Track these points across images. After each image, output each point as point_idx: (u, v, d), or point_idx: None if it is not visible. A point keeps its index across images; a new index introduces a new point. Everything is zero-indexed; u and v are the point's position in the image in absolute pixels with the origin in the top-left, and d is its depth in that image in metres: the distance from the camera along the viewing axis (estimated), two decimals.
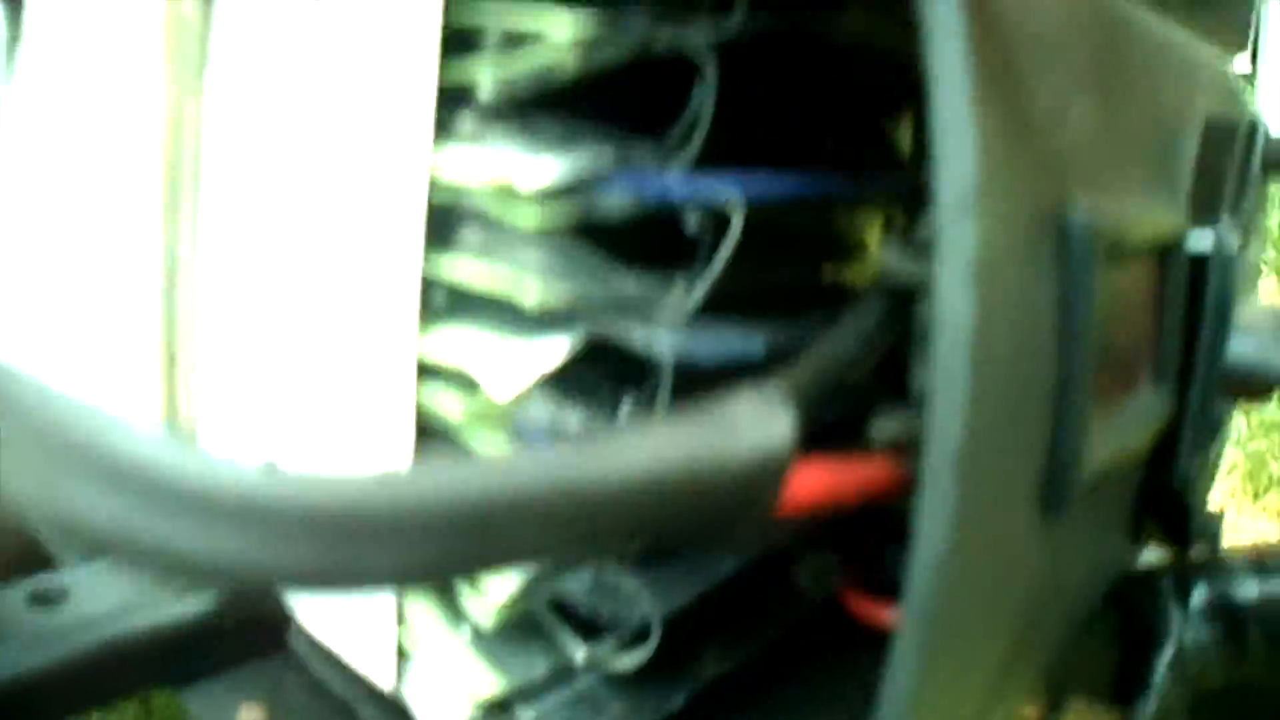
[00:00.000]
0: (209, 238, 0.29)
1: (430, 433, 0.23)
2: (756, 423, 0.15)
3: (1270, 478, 0.99)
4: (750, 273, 0.22)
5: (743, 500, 0.15)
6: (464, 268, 0.23)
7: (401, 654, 0.25)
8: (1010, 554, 0.18)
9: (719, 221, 0.21)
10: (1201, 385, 0.27)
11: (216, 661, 0.29)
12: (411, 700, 0.25)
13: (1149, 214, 0.22)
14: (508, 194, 0.21)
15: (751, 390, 0.16)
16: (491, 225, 0.22)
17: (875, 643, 0.33)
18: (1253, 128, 0.30)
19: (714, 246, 0.21)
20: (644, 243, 0.22)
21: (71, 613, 0.28)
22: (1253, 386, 0.28)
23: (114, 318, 0.31)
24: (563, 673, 0.25)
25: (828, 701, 0.29)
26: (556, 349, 0.22)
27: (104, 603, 0.29)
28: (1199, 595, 0.31)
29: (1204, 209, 0.28)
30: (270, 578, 0.12)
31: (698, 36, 0.21)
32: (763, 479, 0.15)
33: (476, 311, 0.23)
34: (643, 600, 0.23)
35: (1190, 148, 0.29)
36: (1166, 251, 0.24)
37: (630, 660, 0.24)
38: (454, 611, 0.24)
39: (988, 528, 0.17)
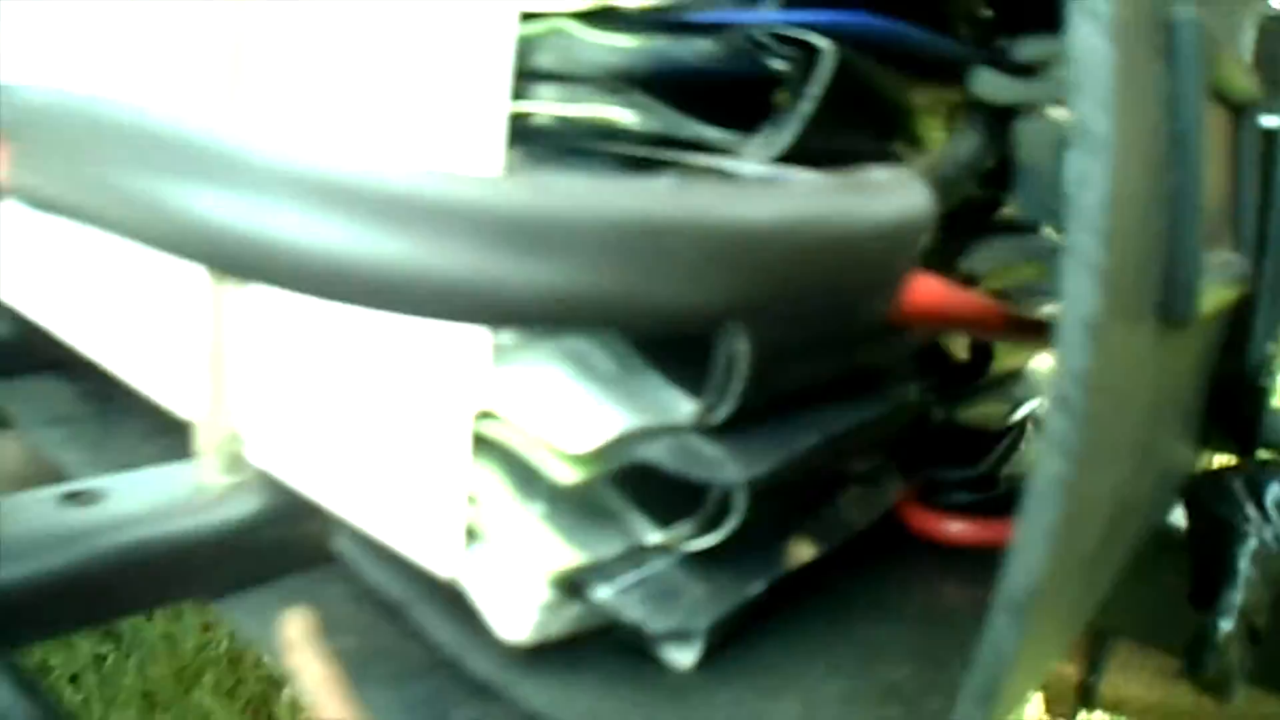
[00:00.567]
0: None
1: None
2: (900, 188, 0.14)
3: None
4: (828, 132, 0.21)
5: (883, 259, 0.14)
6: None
7: (470, 535, 0.24)
8: (1136, 364, 0.17)
9: (807, 64, 0.21)
10: (1276, 261, 0.27)
11: (257, 571, 0.28)
12: (472, 587, 0.24)
13: (1234, 56, 0.22)
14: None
15: (890, 167, 0.15)
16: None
17: (928, 556, 0.32)
18: None
19: (800, 90, 0.21)
20: (728, 100, 0.21)
21: (106, 512, 0.27)
22: None
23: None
24: (637, 553, 0.24)
25: (887, 608, 0.28)
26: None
27: (139, 505, 0.27)
28: (1274, 493, 0.30)
29: (1270, 90, 0.27)
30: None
31: None
32: (904, 238, 0.14)
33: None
34: (727, 466, 0.22)
35: (1249, 36, 0.28)
36: (1242, 111, 0.24)
37: (712, 538, 0.23)
38: (528, 485, 0.23)
39: (1121, 334, 0.16)
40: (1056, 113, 0.18)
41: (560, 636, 0.24)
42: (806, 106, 0.20)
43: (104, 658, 0.84)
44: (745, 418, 0.22)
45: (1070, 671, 0.41)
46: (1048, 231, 0.29)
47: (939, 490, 0.32)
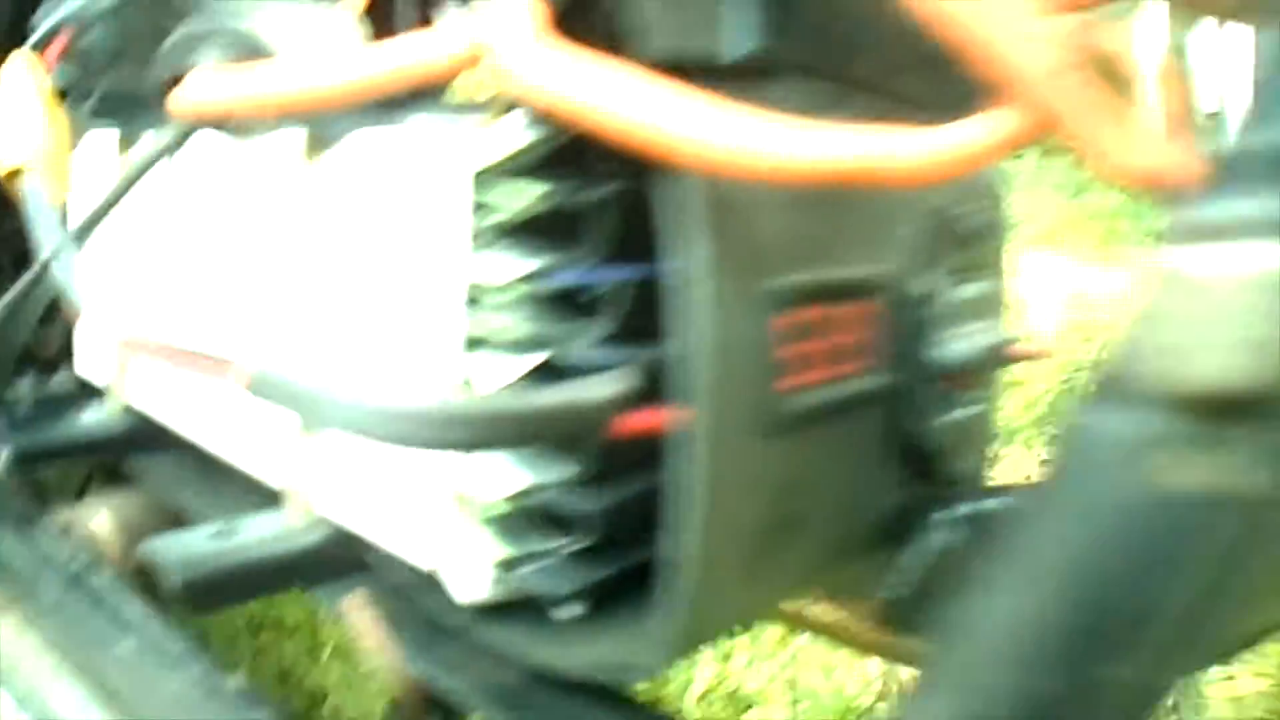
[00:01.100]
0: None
1: None
2: (601, 385, 0.34)
3: None
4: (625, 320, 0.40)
5: (591, 424, 0.33)
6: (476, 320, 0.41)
7: (444, 545, 0.43)
8: (742, 457, 0.36)
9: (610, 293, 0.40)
10: (919, 370, 0.45)
11: (325, 573, 0.47)
12: (444, 574, 0.43)
13: (847, 274, 0.40)
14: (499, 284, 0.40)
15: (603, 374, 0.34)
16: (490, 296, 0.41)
17: None
18: (956, 213, 0.48)
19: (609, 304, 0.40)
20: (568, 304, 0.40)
21: (239, 540, 0.46)
22: (952, 374, 0.46)
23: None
24: (545, 551, 0.42)
25: None
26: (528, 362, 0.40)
27: (259, 536, 0.47)
28: (958, 509, 0.47)
29: (917, 265, 0.46)
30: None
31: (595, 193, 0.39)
32: (602, 412, 0.33)
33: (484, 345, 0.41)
34: (588, 502, 0.41)
35: (916, 228, 0.47)
36: (875, 289, 0.42)
37: (584, 543, 0.42)
38: (478, 512, 0.42)
39: (723, 444, 0.35)
40: None
41: (498, 601, 0.43)
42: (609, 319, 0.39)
43: None
44: (598, 476, 0.41)
45: None
46: None
47: None
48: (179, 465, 0.62)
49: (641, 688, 1.02)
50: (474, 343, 0.41)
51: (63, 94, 0.59)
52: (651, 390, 0.36)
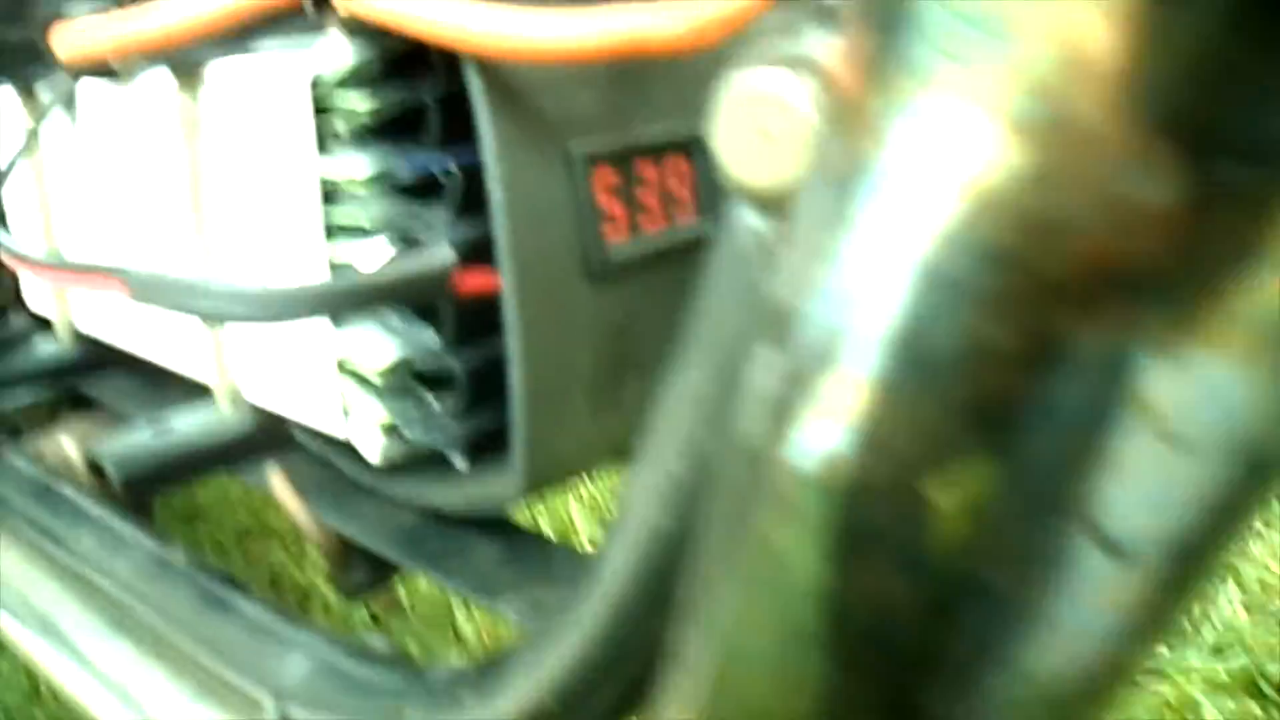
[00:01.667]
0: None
1: None
2: (437, 251, 0.39)
3: None
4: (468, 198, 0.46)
5: (433, 285, 0.39)
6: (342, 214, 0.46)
7: (345, 413, 0.49)
8: (572, 309, 0.42)
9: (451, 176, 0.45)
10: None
11: (257, 453, 0.54)
12: (354, 439, 0.49)
13: (656, 132, 0.45)
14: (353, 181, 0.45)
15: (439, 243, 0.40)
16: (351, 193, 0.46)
17: None
18: None
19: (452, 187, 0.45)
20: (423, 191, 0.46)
21: (177, 434, 0.52)
22: None
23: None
24: (425, 413, 0.49)
25: None
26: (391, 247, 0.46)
27: (194, 428, 0.53)
28: None
29: None
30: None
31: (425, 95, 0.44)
32: (440, 275, 0.39)
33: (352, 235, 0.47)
34: (455, 364, 0.47)
35: None
36: (691, 144, 0.48)
37: (455, 401, 0.48)
38: (365, 383, 0.48)
39: (550, 295, 0.40)
40: None
41: (400, 460, 0.49)
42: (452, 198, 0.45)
43: None
44: (463, 341, 0.47)
45: None
46: None
47: None
48: (128, 381, 0.68)
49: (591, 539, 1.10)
50: (340, 232, 0.46)
51: None
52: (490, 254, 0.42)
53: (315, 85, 0.44)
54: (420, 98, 0.45)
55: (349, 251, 0.46)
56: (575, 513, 1.17)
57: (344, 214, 0.46)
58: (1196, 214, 0.17)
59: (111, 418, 0.70)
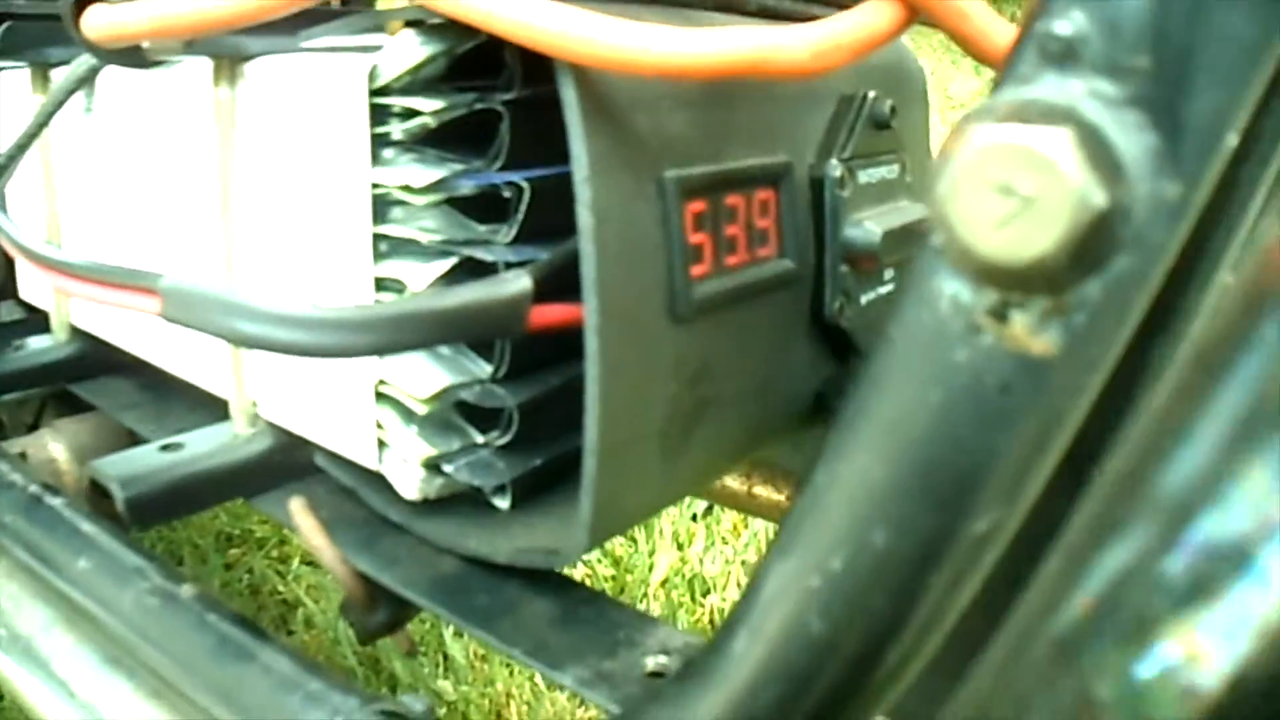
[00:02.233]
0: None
1: None
2: (513, 280, 0.35)
3: None
4: (535, 220, 0.42)
5: (504, 320, 0.35)
6: (394, 228, 0.42)
7: (380, 445, 0.45)
8: (654, 350, 0.38)
9: (519, 193, 0.41)
10: (829, 253, 0.47)
11: (273, 480, 0.49)
12: (387, 472, 0.45)
13: (747, 163, 0.42)
14: (410, 189, 0.41)
15: (514, 270, 0.36)
16: (405, 205, 0.42)
17: None
18: (863, 98, 0.49)
19: (519, 204, 0.41)
20: (483, 207, 0.42)
21: (188, 454, 0.48)
22: (861, 256, 0.47)
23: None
24: (469, 447, 0.44)
25: None
26: (444, 265, 0.41)
27: (205, 448, 0.48)
28: None
29: (824, 152, 0.47)
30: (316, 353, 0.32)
31: (497, 99, 0.40)
32: (515, 306, 0.35)
33: (402, 252, 0.42)
34: (505, 398, 0.43)
35: (822, 116, 0.48)
36: (779, 177, 0.44)
37: (506, 437, 0.44)
38: (407, 416, 0.44)
39: (633, 334, 0.36)
40: None
41: (436, 496, 0.45)
42: (521, 215, 0.41)
43: None
44: (516, 373, 0.43)
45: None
46: None
47: None
48: (128, 386, 0.63)
49: (606, 575, 1.06)
50: (393, 249, 0.42)
51: None
52: (565, 285, 0.37)
53: (372, 82, 0.40)
54: (489, 103, 0.41)
55: (396, 269, 0.42)
56: None
57: (394, 227, 0.42)
58: None
59: (104, 422, 0.65)
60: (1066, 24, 0.21)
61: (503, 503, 0.45)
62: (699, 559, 1.10)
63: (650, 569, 1.08)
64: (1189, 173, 0.21)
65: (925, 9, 0.34)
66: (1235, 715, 0.17)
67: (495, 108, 0.40)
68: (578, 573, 1.00)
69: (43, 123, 0.53)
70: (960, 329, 0.21)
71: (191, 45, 0.45)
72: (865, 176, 0.49)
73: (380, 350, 0.36)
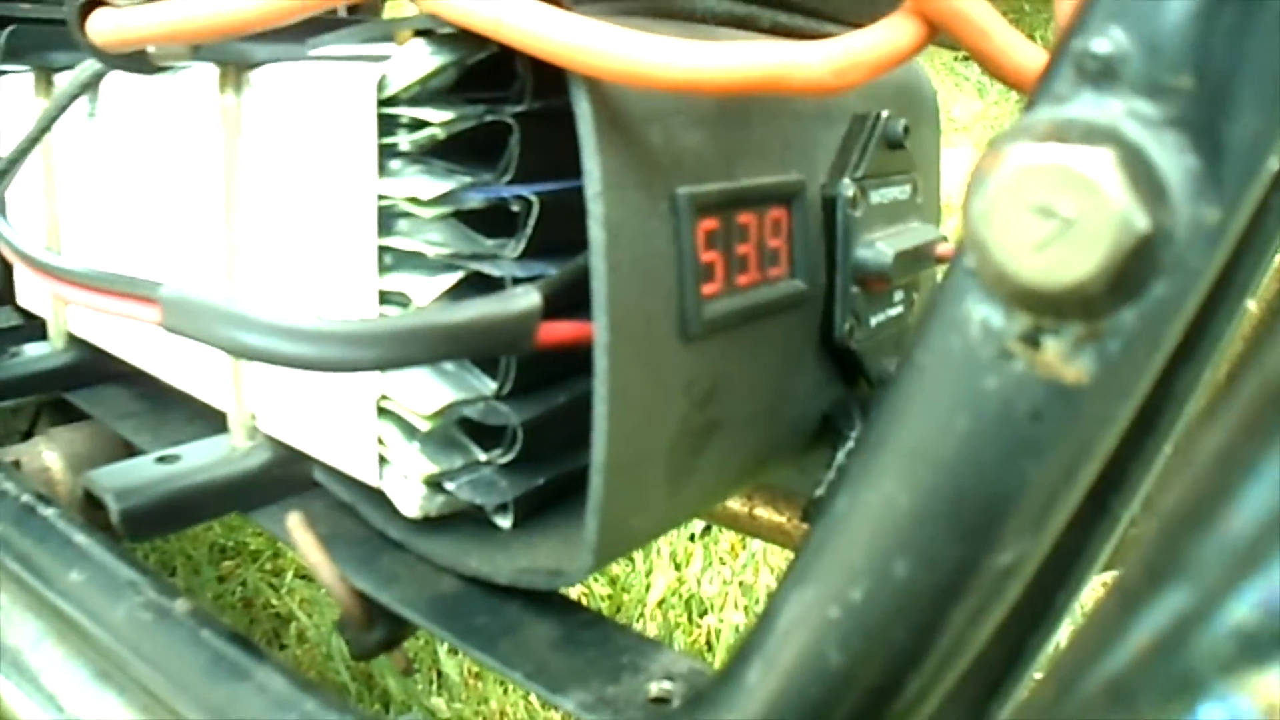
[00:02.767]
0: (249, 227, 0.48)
1: None
2: (522, 296, 0.34)
3: None
4: (543, 234, 0.41)
5: (513, 336, 0.34)
6: (399, 241, 0.41)
7: (381, 461, 0.44)
8: (664, 369, 0.37)
9: (528, 207, 0.40)
10: (840, 274, 0.46)
11: (271, 494, 0.49)
12: (388, 489, 0.44)
13: (760, 182, 0.41)
14: (417, 201, 0.40)
15: (523, 286, 0.35)
16: (411, 217, 0.41)
17: None
18: (876, 118, 0.49)
19: (527, 219, 0.40)
20: (490, 221, 0.41)
21: (185, 466, 0.47)
22: (872, 277, 0.47)
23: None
24: (471, 465, 0.44)
25: None
26: (450, 279, 0.41)
27: (203, 461, 0.48)
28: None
29: (836, 171, 0.47)
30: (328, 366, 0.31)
31: (507, 111, 0.40)
32: (524, 323, 0.34)
33: (407, 265, 0.42)
34: (510, 415, 0.42)
35: (835, 135, 0.48)
36: (791, 196, 0.43)
37: (510, 455, 0.43)
38: (409, 432, 0.43)
39: (643, 354, 0.36)
40: None
41: (436, 513, 0.44)
42: (530, 230, 0.40)
43: None
44: (521, 390, 0.42)
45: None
46: None
47: None
48: (125, 395, 0.63)
49: (602, 594, 1.05)
50: (398, 262, 0.41)
51: None
52: (574, 302, 0.37)
53: (381, 91, 0.40)
54: (499, 115, 0.40)
55: (401, 282, 0.41)
56: None
57: (399, 239, 0.41)
58: None
59: (99, 431, 0.65)
60: (1105, 42, 0.20)
61: (504, 522, 0.44)
62: (696, 579, 1.09)
63: (647, 589, 1.07)
64: (1229, 197, 0.20)
65: (946, 27, 0.33)
66: None
67: (505, 120, 0.40)
68: (573, 592, 0.99)
69: (45, 127, 0.52)
70: (991, 355, 0.21)
71: (198, 51, 0.44)
72: (877, 196, 0.48)
73: (385, 365, 0.35)
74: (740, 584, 1.09)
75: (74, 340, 0.63)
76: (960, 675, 0.25)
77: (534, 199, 0.40)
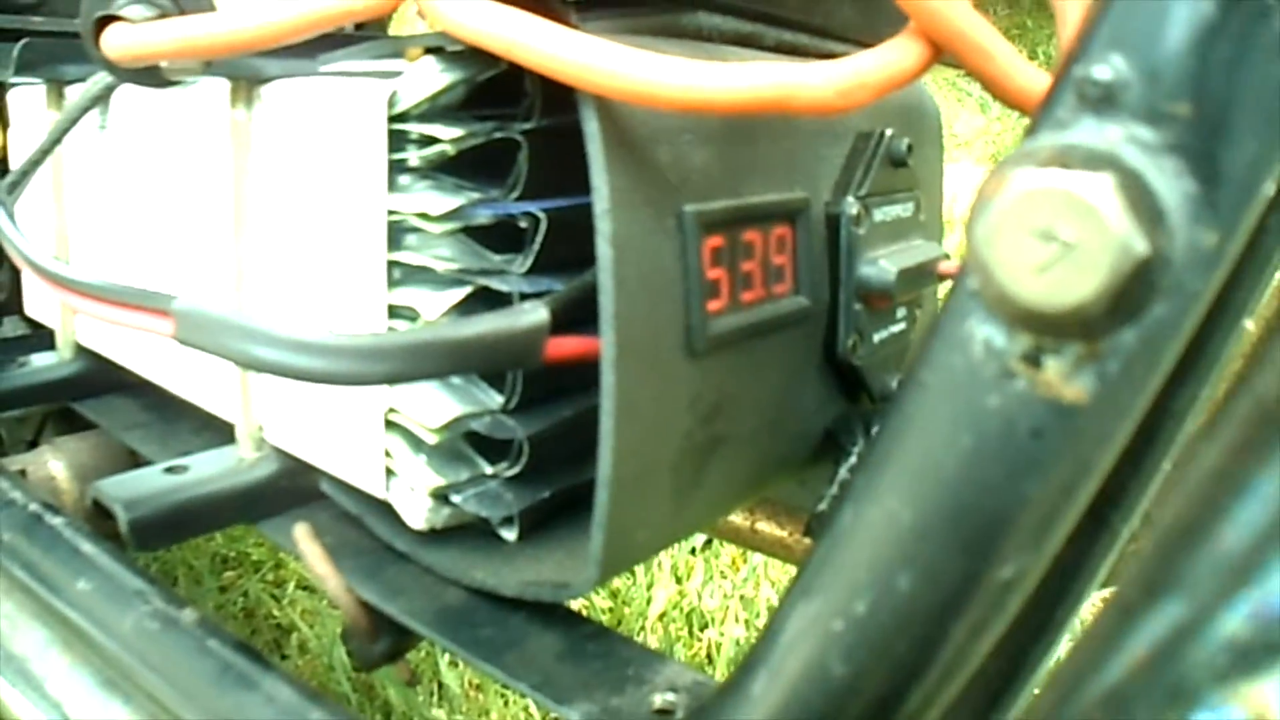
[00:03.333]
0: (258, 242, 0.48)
1: None
2: (530, 312, 0.35)
3: None
4: (550, 251, 0.42)
5: (523, 349, 0.35)
6: (408, 255, 0.42)
7: (388, 473, 0.44)
8: (669, 386, 0.37)
9: (535, 223, 0.41)
10: (843, 291, 0.46)
11: (278, 505, 0.49)
12: (394, 500, 0.44)
13: (765, 199, 0.41)
14: (426, 217, 0.41)
15: (531, 302, 0.36)
16: (420, 233, 0.42)
17: None
18: (880, 136, 0.49)
19: (534, 236, 0.41)
20: (498, 236, 0.42)
21: (192, 477, 0.47)
22: (875, 294, 0.47)
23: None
24: (478, 478, 0.44)
25: None
26: (458, 294, 0.41)
27: (210, 471, 0.48)
28: (875, 426, 0.50)
29: (840, 189, 0.47)
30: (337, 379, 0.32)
31: (516, 129, 0.40)
32: (532, 338, 0.35)
33: (416, 279, 0.42)
34: (516, 429, 0.42)
35: (839, 153, 0.48)
36: (796, 213, 0.44)
37: (516, 468, 0.43)
38: (416, 445, 0.43)
39: (649, 370, 0.36)
40: None
41: (443, 526, 0.45)
42: (537, 245, 0.41)
43: None
44: (527, 404, 0.43)
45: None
46: None
47: None
48: (132, 405, 0.63)
49: (603, 607, 1.06)
50: (406, 276, 0.42)
51: None
52: (580, 317, 0.37)
53: (391, 108, 0.40)
54: (508, 132, 0.41)
55: (410, 297, 0.42)
56: None
57: (408, 254, 0.42)
58: None
59: (105, 441, 0.65)
60: (1106, 69, 0.20)
61: (510, 534, 0.45)
62: (697, 593, 1.09)
63: (648, 602, 1.07)
64: (1226, 221, 0.20)
65: (950, 49, 0.34)
66: None
67: (514, 137, 0.40)
68: (575, 604, 0.99)
69: (57, 139, 0.53)
70: (993, 374, 0.21)
71: (210, 66, 0.45)
72: (881, 214, 0.49)
73: (395, 379, 0.35)
74: (741, 598, 1.09)
75: (81, 350, 0.64)
76: (962, 687, 0.25)
77: (541, 215, 0.40)
